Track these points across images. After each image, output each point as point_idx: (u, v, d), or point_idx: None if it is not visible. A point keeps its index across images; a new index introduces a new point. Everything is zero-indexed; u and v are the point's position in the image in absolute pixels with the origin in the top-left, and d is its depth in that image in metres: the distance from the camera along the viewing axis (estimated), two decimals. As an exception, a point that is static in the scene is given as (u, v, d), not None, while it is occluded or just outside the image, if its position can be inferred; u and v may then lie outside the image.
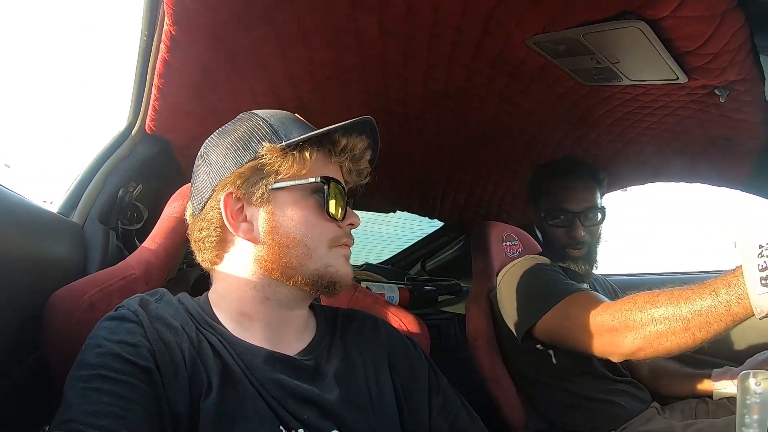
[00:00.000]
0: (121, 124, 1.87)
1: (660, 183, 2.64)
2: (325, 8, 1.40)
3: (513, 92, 1.84)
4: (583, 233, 2.15)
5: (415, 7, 1.39)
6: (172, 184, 1.69)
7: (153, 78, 1.61)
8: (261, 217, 1.17)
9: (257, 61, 1.62)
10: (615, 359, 1.68)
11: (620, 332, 1.58)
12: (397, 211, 3.03)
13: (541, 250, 2.52)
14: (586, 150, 2.30)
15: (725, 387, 2.07)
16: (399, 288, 2.94)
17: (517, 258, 2.47)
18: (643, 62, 1.55)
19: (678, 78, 1.61)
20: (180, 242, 1.56)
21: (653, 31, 1.38)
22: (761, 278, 1.16)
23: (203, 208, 1.21)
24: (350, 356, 1.28)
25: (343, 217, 1.23)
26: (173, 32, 1.42)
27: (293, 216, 1.17)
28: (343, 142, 1.22)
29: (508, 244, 2.57)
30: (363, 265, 3.37)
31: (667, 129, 2.08)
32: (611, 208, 2.26)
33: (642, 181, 2.66)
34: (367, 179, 1.35)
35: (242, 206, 1.18)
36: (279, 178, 1.16)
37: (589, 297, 1.82)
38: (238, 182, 1.17)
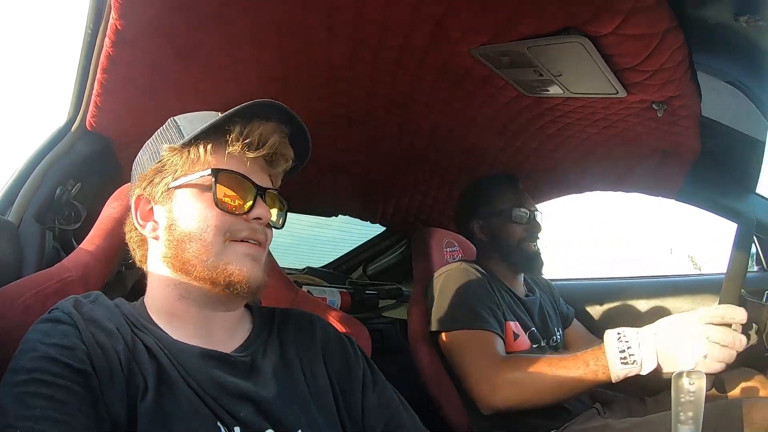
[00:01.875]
0: (60, 120, 1.80)
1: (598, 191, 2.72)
2: (274, 7, 1.36)
3: (457, 100, 1.85)
4: (541, 228, 2.34)
5: (365, 12, 1.37)
6: (112, 183, 1.62)
7: (96, 73, 1.55)
8: (164, 215, 1.18)
9: (204, 59, 1.58)
10: (484, 407, 1.90)
11: (498, 386, 1.84)
12: (339, 215, 3.02)
13: None
14: (527, 158, 2.34)
15: None
16: (340, 292, 2.90)
17: None
18: (584, 76, 1.59)
19: (617, 92, 1.65)
20: (118, 244, 1.48)
21: (595, 47, 1.41)
22: (621, 358, 1.64)
23: (132, 211, 1.24)
24: (287, 353, 1.26)
25: (249, 210, 1.17)
26: (119, 26, 1.35)
27: (188, 211, 1.15)
28: (237, 128, 1.16)
29: (448, 249, 2.59)
30: (305, 268, 3.33)
31: (607, 140, 2.14)
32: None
33: (581, 189, 2.74)
34: (291, 168, 1.29)
35: (151, 208, 1.20)
36: (176, 175, 1.17)
37: (489, 341, 1.98)
38: (143, 184, 1.20)
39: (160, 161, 1.18)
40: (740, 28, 1.42)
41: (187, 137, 1.15)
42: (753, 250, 2.56)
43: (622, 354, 1.65)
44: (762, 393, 1.99)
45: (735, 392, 2.03)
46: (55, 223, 1.73)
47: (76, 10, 1.53)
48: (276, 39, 1.50)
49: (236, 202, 1.16)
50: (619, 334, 1.68)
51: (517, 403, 1.74)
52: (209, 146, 1.16)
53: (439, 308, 2.15)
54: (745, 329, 2.01)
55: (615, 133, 2.06)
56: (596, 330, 2.72)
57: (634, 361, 1.63)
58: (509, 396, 1.68)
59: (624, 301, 2.76)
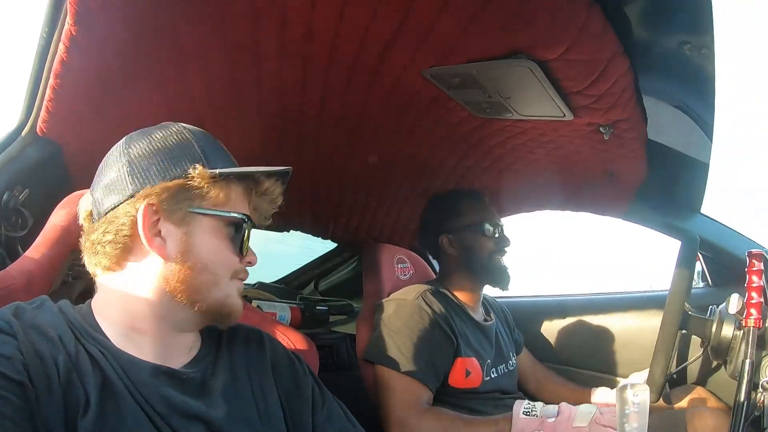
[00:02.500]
0: (11, 124, 1.75)
1: (547, 211, 2.76)
2: (226, 23, 1.35)
3: (407, 121, 1.86)
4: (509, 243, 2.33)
5: (315, 29, 1.36)
6: (60, 190, 1.57)
7: (49, 78, 1.51)
8: (176, 236, 1.12)
9: (155, 72, 1.55)
10: None
11: None
12: (292, 231, 3.00)
13: (433, 275, 2.61)
14: (477, 177, 2.35)
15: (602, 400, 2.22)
16: (291, 308, 2.87)
17: (408, 281, 2.53)
18: (532, 99, 1.61)
19: (564, 115, 1.68)
20: (65, 253, 1.44)
21: (542, 72, 1.43)
22: (523, 411, 1.84)
23: (113, 209, 1.12)
24: (236, 371, 1.25)
25: (247, 254, 1.22)
26: (73, 32, 1.32)
27: (209, 243, 1.14)
28: (266, 185, 1.21)
29: (399, 266, 2.58)
30: (256, 283, 3.30)
31: (555, 161, 2.16)
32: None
33: (530, 209, 2.76)
34: (268, 222, 1.34)
35: (158, 220, 1.11)
36: (203, 204, 1.13)
37: (416, 391, 2.01)
38: (164, 196, 1.10)
39: (184, 177, 1.12)
40: (685, 56, 1.46)
41: (225, 170, 1.14)
42: (699, 267, 2.62)
43: (526, 409, 1.86)
44: (708, 405, 2.04)
45: (681, 404, 2.10)
46: (1, 230, 1.68)
47: (32, 14, 1.50)
48: (226, 54, 1.49)
49: (246, 246, 1.21)
50: (528, 404, 1.90)
51: None
52: (239, 188, 1.19)
53: (379, 338, 2.13)
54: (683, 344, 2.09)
55: (564, 154, 2.08)
56: (544, 347, 2.79)
57: (536, 414, 1.83)
58: None
59: (572, 318, 2.79)
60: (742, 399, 1.46)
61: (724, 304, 1.67)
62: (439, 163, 2.22)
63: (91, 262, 1.17)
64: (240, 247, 1.18)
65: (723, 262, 2.39)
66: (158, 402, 1.06)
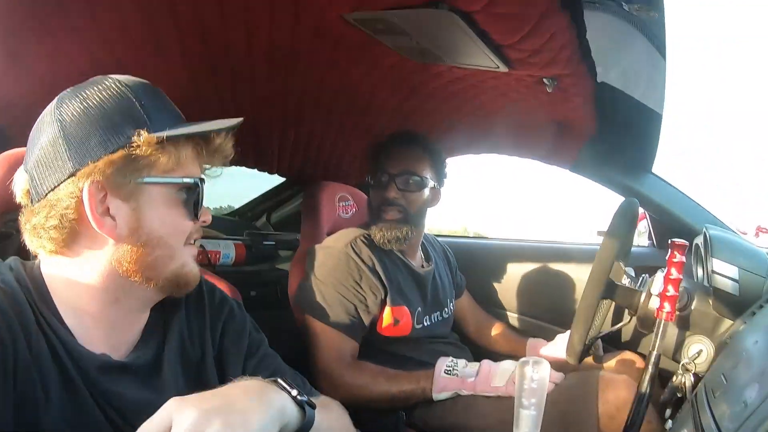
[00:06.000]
0: None
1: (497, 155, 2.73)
2: None
3: (340, 60, 1.77)
4: (395, 195, 2.13)
5: None
6: None
7: None
8: (125, 212, 1.02)
9: (68, 21, 1.44)
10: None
11: (338, 387, 1.93)
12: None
13: None
14: (422, 119, 2.29)
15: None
16: (235, 244, 2.80)
17: (350, 219, 2.51)
18: (461, 49, 1.53)
19: (498, 67, 1.60)
20: None
21: (466, 23, 1.34)
22: (445, 370, 1.92)
23: (53, 190, 1.01)
24: (183, 338, 1.20)
25: (200, 214, 1.15)
26: None
27: (161, 214, 1.06)
28: (217, 141, 1.11)
29: (341, 204, 2.53)
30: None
31: (499, 108, 2.11)
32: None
33: (479, 151, 2.75)
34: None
35: (105, 196, 1.00)
36: (152, 172, 1.03)
37: (341, 344, 2.03)
38: (108, 171, 0.99)
39: (128, 147, 1.00)
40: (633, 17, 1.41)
41: (173, 132, 1.04)
42: (645, 226, 2.60)
43: (448, 368, 1.92)
44: (638, 366, 2.08)
45: (610, 364, 2.13)
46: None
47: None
48: (139, 2, 1.39)
49: (200, 209, 1.13)
50: (450, 362, 1.96)
51: (353, 405, 1.72)
52: (188, 150, 1.09)
53: (307, 287, 2.09)
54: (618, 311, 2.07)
55: (508, 101, 2.03)
56: (487, 291, 2.81)
57: (456, 374, 1.90)
58: (347, 398, 1.63)
59: (517, 264, 2.79)
60: (644, 389, 1.46)
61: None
62: (381, 102, 2.15)
63: (34, 246, 1.06)
64: (195, 212, 1.11)
65: (669, 225, 2.39)
66: (111, 396, 1.02)
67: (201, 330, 1.24)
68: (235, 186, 3.50)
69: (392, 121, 2.32)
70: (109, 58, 1.60)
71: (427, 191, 2.19)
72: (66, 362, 0.97)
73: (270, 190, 3.49)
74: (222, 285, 1.69)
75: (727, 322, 1.55)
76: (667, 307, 1.46)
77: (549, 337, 2.30)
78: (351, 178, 2.76)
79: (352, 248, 2.10)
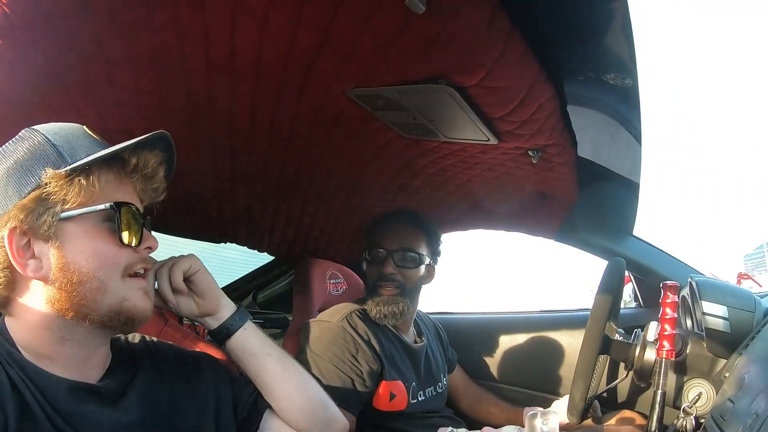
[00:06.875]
0: None
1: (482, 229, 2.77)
2: (150, 36, 1.29)
3: (336, 138, 1.83)
4: (391, 271, 2.17)
5: (239, 47, 1.32)
6: None
7: None
8: (50, 252, 1.03)
9: (84, 81, 1.48)
10: None
11: None
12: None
13: None
14: (410, 196, 2.34)
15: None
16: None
17: (340, 296, 2.53)
18: (456, 123, 1.60)
19: (489, 140, 1.67)
20: None
21: (462, 97, 1.42)
22: None
23: None
24: (151, 378, 1.22)
25: (140, 242, 1.13)
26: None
27: (84, 248, 1.05)
28: (134, 160, 1.12)
29: (332, 281, 2.56)
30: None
31: (486, 182, 2.17)
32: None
33: (465, 227, 2.78)
34: (164, 195, 1.24)
35: (29, 241, 1.03)
36: (66, 207, 1.04)
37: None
38: (21, 216, 1.02)
39: (39, 187, 1.02)
40: (610, 84, 1.46)
41: (78, 162, 1.04)
42: (630, 288, 2.66)
43: None
44: (638, 422, 2.08)
45: (610, 423, 2.13)
46: None
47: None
48: (154, 67, 1.44)
49: (133, 236, 1.11)
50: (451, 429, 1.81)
51: None
52: (105, 175, 1.08)
53: (302, 361, 2.04)
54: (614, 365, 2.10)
55: (494, 176, 2.09)
56: (478, 365, 2.80)
57: None
58: None
59: (507, 336, 2.81)
60: (653, 428, 1.47)
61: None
62: (371, 180, 2.20)
63: None
64: (121, 238, 1.09)
65: (653, 284, 2.42)
66: (77, 419, 1.02)
67: (174, 380, 1.26)
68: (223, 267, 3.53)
69: (380, 200, 2.38)
70: (118, 121, 1.65)
71: (423, 268, 2.24)
72: (24, 391, 0.99)
73: (257, 269, 3.50)
74: (215, 353, 1.71)
75: (722, 362, 1.60)
76: (666, 345, 1.51)
77: (544, 405, 2.32)
78: (340, 257, 2.80)
79: (348, 322, 2.11)
